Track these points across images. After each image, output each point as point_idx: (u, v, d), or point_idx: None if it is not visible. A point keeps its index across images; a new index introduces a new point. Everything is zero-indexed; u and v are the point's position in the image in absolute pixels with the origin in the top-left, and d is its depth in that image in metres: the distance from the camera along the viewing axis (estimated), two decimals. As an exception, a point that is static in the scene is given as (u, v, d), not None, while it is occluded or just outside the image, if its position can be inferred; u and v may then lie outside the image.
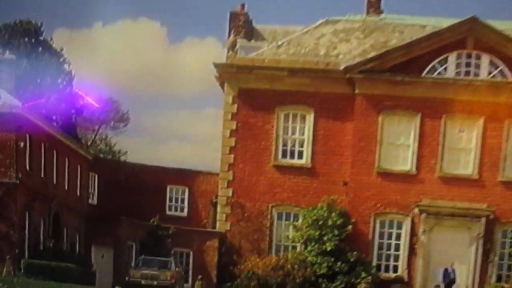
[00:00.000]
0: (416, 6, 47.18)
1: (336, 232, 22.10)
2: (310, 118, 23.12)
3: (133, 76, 46.99)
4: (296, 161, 23.23)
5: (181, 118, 50.10)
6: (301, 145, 23.28)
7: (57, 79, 28.45)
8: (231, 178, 23.42)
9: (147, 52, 49.38)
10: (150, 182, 26.48)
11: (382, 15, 25.32)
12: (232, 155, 23.41)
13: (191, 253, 23.57)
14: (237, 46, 24.84)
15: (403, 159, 22.83)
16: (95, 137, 35.60)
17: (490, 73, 22.47)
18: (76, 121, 27.75)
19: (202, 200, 26.52)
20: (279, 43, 24.09)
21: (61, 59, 29.11)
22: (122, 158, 35.06)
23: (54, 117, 27.36)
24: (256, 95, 23.20)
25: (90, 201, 26.40)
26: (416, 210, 22.63)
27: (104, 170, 26.79)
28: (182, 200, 26.84)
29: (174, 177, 26.76)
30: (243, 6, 25.38)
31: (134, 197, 26.10)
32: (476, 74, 22.49)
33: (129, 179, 26.51)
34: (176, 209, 26.84)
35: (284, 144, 23.32)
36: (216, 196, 24.12)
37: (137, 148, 42.71)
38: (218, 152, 23.70)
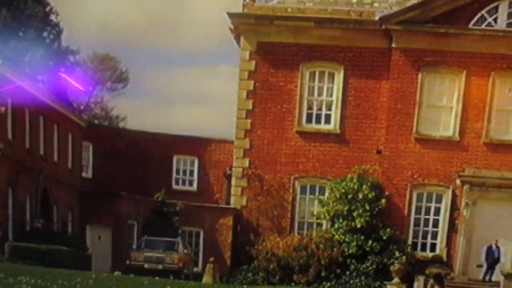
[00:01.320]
0: None
1: (367, 206, 21.71)
2: (339, 77, 22.52)
3: (133, 27, 45.56)
4: (323, 127, 22.75)
5: (190, 77, 48.87)
6: (329, 108, 22.74)
7: (42, 32, 27.49)
8: (247, 146, 22.94)
9: (151, 1, 48.00)
10: (154, 152, 26.13)
11: None
12: (249, 120, 22.90)
13: (202, 233, 23.28)
14: None
15: (444, 123, 22.35)
16: (89, 100, 34.82)
17: None
18: (66, 82, 27.00)
19: (214, 172, 26.29)
20: None
21: (47, 8, 28.11)
22: (121, 124, 34.72)
23: (40, 77, 26.60)
24: (277, 50, 22.59)
25: (84, 174, 25.96)
26: (458, 181, 22.15)
27: (100, 139, 26.31)
28: (191, 172, 26.60)
29: (182, 146, 26.44)
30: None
31: (135, 170, 25.80)
32: (533, 26, 21.78)
33: (129, 149, 26.15)
34: (184, 183, 26.65)
35: (310, 107, 22.80)
36: (231, 168, 23.72)
37: (139, 112, 41.85)
38: (233, 116, 23.23)
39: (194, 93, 49.16)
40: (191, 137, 26.70)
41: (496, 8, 21.85)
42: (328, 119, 22.78)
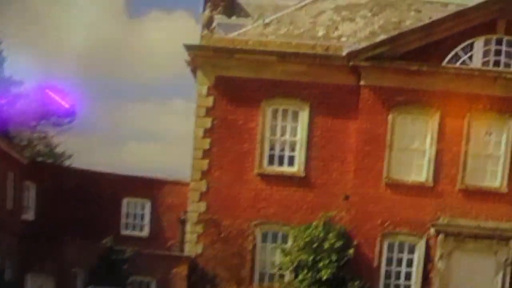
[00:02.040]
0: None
1: (334, 257, 21.35)
2: (304, 115, 22.17)
3: (82, 58, 44.90)
4: (286, 169, 22.33)
5: (143, 112, 48.43)
6: (293, 149, 22.34)
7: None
8: (204, 189, 22.45)
9: (101, 29, 47.61)
10: (102, 193, 25.73)
11: None
12: (206, 161, 22.41)
13: (153, 283, 22.80)
14: (215, 24, 23.91)
15: (417, 167, 22.04)
16: (32, 135, 34.11)
17: None
18: (7, 115, 26.38)
19: (168, 217, 25.93)
20: (267, 20, 23.22)
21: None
22: (67, 162, 34.09)
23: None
24: (237, 85, 22.24)
25: (25, 216, 25.46)
26: (433, 231, 21.87)
27: (44, 178, 25.92)
28: (142, 216, 26.26)
29: (133, 187, 26.11)
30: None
31: (81, 212, 25.28)
32: (507, 65, 21.79)
33: (75, 190, 25.67)
34: (134, 228, 26.29)
35: (272, 148, 22.38)
36: (186, 212, 23.21)
37: (86, 150, 40.92)
38: (189, 156, 22.74)
39: (147, 129, 48.67)
40: (142, 178, 26.43)
41: (471, 45, 21.81)
42: (291, 161, 22.38)
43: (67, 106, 26.28)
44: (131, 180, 26.25)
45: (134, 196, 26.24)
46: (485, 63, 21.82)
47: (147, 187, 26.14)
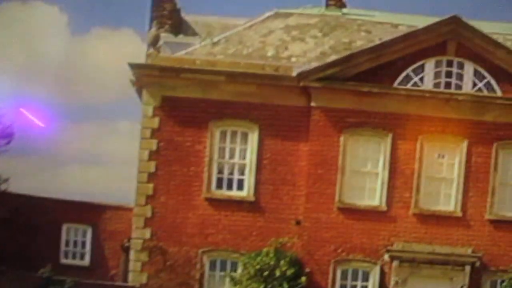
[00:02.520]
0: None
1: (286, 285, 20.91)
2: (254, 137, 21.76)
3: (21, 76, 43.64)
4: (235, 193, 21.85)
5: (85, 134, 47.19)
6: (242, 172, 21.88)
7: None
8: (149, 214, 21.78)
9: (42, 46, 46.37)
10: (41, 219, 24.84)
11: (345, 9, 24.59)
12: (151, 184, 21.79)
13: None
14: (161, 42, 23.43)
15: (370, 191, 21.82)
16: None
17: (475, 85, 21.89)
18: None
19: (110, 244, 25.26)
20: (216, 39, 22.89)
21: None
22: (3, 187, 32.98)
23: None
24: (184, 106, 21.76)
25: None
26: (387, 257, 21.56)
27: None
28: (83, 244, 25.55)
29: (73, 213, 25.39)
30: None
31: (18, 240, 24.43)
32: (459, 86, 21.85)
33: (12, 216, 24.50)
34: (74, 256, 25.60)
35: (220, 171, 21.90)
36: (129, 239, 22.51)
37: (24, 173, 39.51)
38: (133, 180, 22.18)
39: (89, 152, 47.41)
40: (83, 203, 25.75)
41: (422, 67, 21.81)
42: (241, 185, 21.91)
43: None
44: (72, 205, 25.60)
45: (74, 222, 25.56)
46: (437, 85, 21.83)
47: (88, 212, 25.51)
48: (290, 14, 23.86)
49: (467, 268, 21.49)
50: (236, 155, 21.92)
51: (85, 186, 41.18)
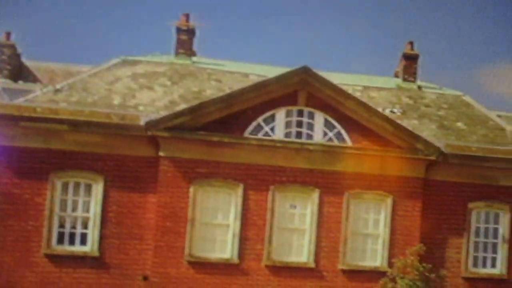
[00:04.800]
0: (242, 49, 47.87)
1: None
2: (98, 189, 21.04)
3: None
4: (77, 248, 20.93)
5: None
6: (85, 226, 21.05)
7: None
8: None
9: None
10: None
11: (195, 58, 24.52)
12: None
13: None
14: None
15: (221, 243, 21.52)
16: None
17: (325, 135, 22.21)
18: None
19: None
20: (58, 86, 22.04)
21: None
22: None
23: None
24: (23, 156, 20.77)
25: None
26: None
27: None
28: None
29: None
30: (8, 34, 23.11)
31: None
32: (310, 136, 22.11)
33: None
34: None
35: (62, 225, 20.99)
36: None
37: None
38: None
39: None
40: None
41: (273, 116, 21.92)
42: (84, 240, 21.05)
43: None
44: None
45: None
46: (288, 135, 21.98)
47: None
48: (138, 62, 23.48)
49: (320, 319, 21.56)
50: (79, 208, 21.11)
51: None
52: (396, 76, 26.74)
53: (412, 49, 26.09)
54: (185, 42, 24.09)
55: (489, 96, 54.51)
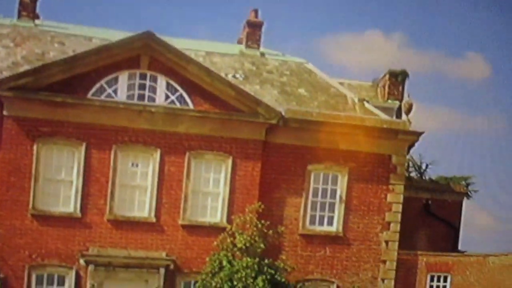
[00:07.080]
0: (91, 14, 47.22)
1: None
2: None
3: None
4: None
5: None
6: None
7: None
8: None
9: None
10: None
11: (38, 21, 25.47)
12: None
13: None
14: None
15: (65, 198, 23.06)
16: None
17: (167, 98, 23.56)
18: None
19: None
20: None
21: None
22: None
23: None
24: None
25: None
26: (82, 261, 22.93)
27: None
28: None
29: None
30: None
31: None
32: (152, 99, 23.48)
33: None
34: None
35: None
36: None
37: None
38: None
39: None
40: None
41: (116, 79, 23.24)
42: None
43: None
44: None
45: None
46: (130, 97, 23.31)
47: None
48: (-13, 24, 24.48)
49: (162, 271, 23.17)
50: None
51: None
52: (240, 43, 27.92)
53: (256, 16, 27.28)
54: (28, 5, 24.98)
55: (331, 64, 54.67)
